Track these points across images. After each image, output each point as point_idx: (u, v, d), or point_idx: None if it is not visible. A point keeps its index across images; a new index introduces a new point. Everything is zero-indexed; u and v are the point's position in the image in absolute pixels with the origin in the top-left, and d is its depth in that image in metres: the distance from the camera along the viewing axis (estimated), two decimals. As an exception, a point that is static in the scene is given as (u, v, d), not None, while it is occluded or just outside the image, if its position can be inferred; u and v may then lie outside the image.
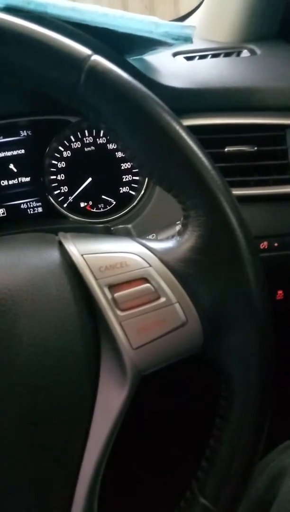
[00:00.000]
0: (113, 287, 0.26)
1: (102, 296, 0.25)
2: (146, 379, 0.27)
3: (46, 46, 0.25)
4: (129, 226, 0.51)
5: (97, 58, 0.26)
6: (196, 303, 0.26)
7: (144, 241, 0.28)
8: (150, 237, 0.38)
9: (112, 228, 0.52)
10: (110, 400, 0.26)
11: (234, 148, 0.49)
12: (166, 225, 0.41)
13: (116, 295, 0.26)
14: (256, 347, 0.27)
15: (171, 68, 0.56)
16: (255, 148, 0.49)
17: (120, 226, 0.51)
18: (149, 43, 0.47)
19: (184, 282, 0.26)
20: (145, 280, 0.26)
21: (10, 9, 0.37)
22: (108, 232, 0.53)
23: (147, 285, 0.26)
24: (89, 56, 0.26)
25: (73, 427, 0.25)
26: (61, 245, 0.28)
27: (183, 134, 0.26)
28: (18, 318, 0.25)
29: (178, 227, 0.39)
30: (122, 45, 0.47)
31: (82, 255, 0.27)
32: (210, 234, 0.26)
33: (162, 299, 0.26)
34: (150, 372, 0.27)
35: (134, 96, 0.26)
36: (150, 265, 0.27)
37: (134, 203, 0.55)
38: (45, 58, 0.26)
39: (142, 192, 0.55)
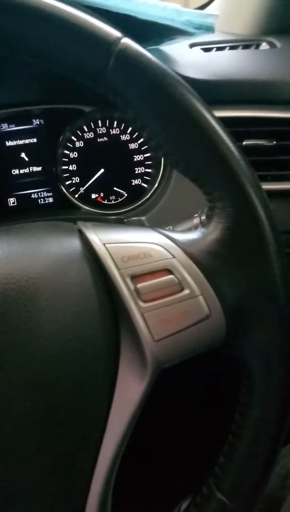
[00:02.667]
0: (135, 278, 0.25)
1: (124, 287, 0.25)
2: (165, 372, 0.26)
3: (73, 25, 0.25)
4: (143, 218, 0.50)
5: (127, 41, 0.25)
6: (220, 296, 0.26)
7: (167, 232, 0.28)
8: (166, 229, 0.37)
9: (125, 220, 0.51)
10: (129, 392, 0.25)
11: (252, 142, 0.48)
12: (182, 218, 0.40)
13: (138, 285, 0.25)
14: (279, 343, 0.26)
15: (188, 59, 0.55)
16: (274, 142, 0.48)
17: (133, 218, 0.51)
18: (169, 32, 0.47)
19: (208, 275, 0.26)
20: (168, 271, 0.26)
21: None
22: (120, 223, 0.52)
23: (171, 276, 0.26)
24: (119, 38, 0.25)
25: (90, 418, 0.25)
26: (81, 233, 0.28)
27: (215, 124, 0.26)
28: (39, 306, 0.24)
29: (196, 220, 0.39)
30: (140, 33, 0.46)
31: (104, 244, 0.26)
32: (237, 226, 0.26)
33: (186, 291, 0.25)
34: (170, 365, 0.26)
35: (166, 82, 0.25)
36: (174, 257, 0.26)
37: (148, 196, 0.55)
38: (72, 39, 0.25)
39: (156, 185, 0.55)
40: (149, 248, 0.26)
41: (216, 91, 0.49)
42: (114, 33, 0.25)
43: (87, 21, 0.25)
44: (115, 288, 0.25)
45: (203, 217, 0.37)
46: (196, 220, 0.38)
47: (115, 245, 0.26)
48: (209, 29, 0.44)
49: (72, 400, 0.24)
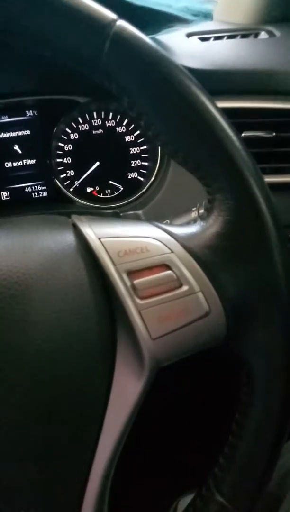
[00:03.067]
0: (132, 274, 0.24)
1: (120, 283, 0.24)
2: (163, 371, 0.25)
3: (67, 7, 0.23)
4: (140, 212, 0.49)
5: (123, 24, 0.24)
6: (220, 292, 0.25)
7: (165, 226, 0.27)
8: (164, 223, 0.36)
9: (121, 214, 0.50)
10: (125, 392, 0.24)
11: (251, 134, 0.47)
12: (180, 212, 0.39)
13: (135, 282, 0.24)
14: (281, 341, 0.26)
15: (185, 48, 0.53)
16: (273, 134, 0.47)
17: (130, 212, 0.50)
18: (165, 19, 0.45)
19: (208, 270, 0.25)
20: (166, 266, 0.25)
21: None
22: (116, 216, 0.51)
23: (169, 272, 0.24)
24: (114, 20, 0.24)
25: (86, 418, 0.24)
26: (75, 227, 0.26)
27: (216, 113, 0.24)
28: (31, 303, 0.23)
29: (194, 214, 0.38)
30: (136, 20, 0.45)
31: (99, 238, 0.25)
32: (238, 219, 0.25)
33: (185, 287, 0.24)
34: (168, 364, 0.25)
35: (164, 67, 0.24)
36: (172, 251, 0.25)
37: (145, 189, 0.54)
38: (66, 21, 0.23)
39: (153, 178, 0.53)
40: (146, 242, 0.25)
41: (214, 81, 0.48)
42: (109, 15, 0.24)
43: (81, 2, 0.24)
44: (111, 284, 0.24)
45: (201, 211, 0.36)
46: (194, 214, 0.37)
47: (110, 240, 0.25)
48: (207, 16, 0.43)
49: (67, 399, 0.23)
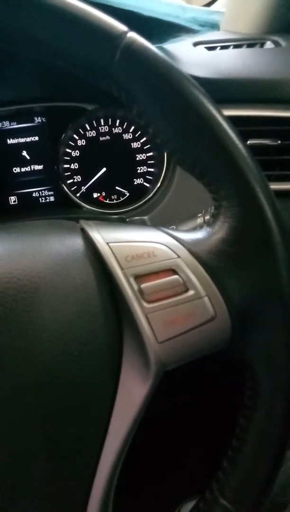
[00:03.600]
0: (139, 278, 0.25)
1: (128, 287, 0.24)
2: (168, 374, 0.26)
3: (79, 19, 0.24)
4: (145, 217, 0.49)
5: (134, 35, 0.25)
6: (226, 297, 0.25)
7: (172, 231, 0.27)
8: (170, 228, 0.36)
9: (127, 220, 0.51)
10: (131, 395, 0.25)
11: (257, 141, 0.48)
12: (185, 217, 0.40)
13: (142, 286, 0.24)
14: (285, 346, 0.26)
15: (192, 57, 0.54)
16: (278, 141, 0.48)
17: (136, 217, 0.50)
18: (173, 29, 0.46)
19: (214, 275, 0.25)
20: (173, 271, 0.25)
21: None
22: (122, 222, 0.51)
23: (175, 276, 0.25)
24: (125, 32, 0.24)
25: (92, 420, 0.24)
26: (83, 232, 0.27)
27: (223, 122, 0.25)
28: (40, 306, 0.23)
29: (200, 219, 0.38)
30: (143, 30, 0.45)
31: (107, 243, 0.25)
32: (244, 226, 0.25)
33: (191, 292, 0.25)
34: (174, 367, 0.25)
35: (172, 78, 0.25)
36: (179, 256, 0.25)
37: (150, 195, 0.54)
38: (77, 33, 0.24)
39: (159, 184, 0.54)
40: (153, 247, 0.25)
41: (221, 90, 0.49)
42: (120, 27, 0.25)
43: (92, 14, 0.24)
44: (118, 288, 0.24)
45: (207, 217, 0.37)
46: (200, 220, 0.37)
47: (118, 244, 0.25)
48: (214, 26, 0.44)
49: (73, 401, 0.24)
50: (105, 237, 0.26)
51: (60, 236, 0.27)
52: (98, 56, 0.25)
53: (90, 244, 0.26)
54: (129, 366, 0.25)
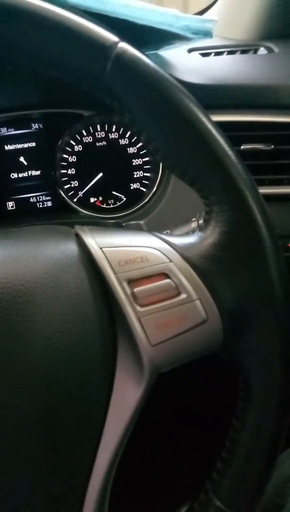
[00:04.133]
0: (132, 282, 0.25)
1: (121, 291, 0.25)
2: (162, 377, 0.26)
3: (71, 30, 0.25)
4: (141, 222, 0.50)
5: (124, 46, 0.25)
6: (217, 300, 0.25)
7: (164, 236, 0.28)
8: (164, 233, 0.37)
9: (123, 224, 0.51)
10: (125, 397, 0.25)
11: (250, 146, 0.48)
12: (180, 222, 0.40)
13: (135, 290, 0.25)
14: (277, 348, 0.26)
15: (187, 64, 0.55)
16: (272, 146, 0.48)
17: (132, 222, 0.51)
18: (167, 37, 0.47)
19: (205, 279, 0.25)
20: (165, 275, 0.26)
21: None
22: (118, 226, 0.52)
23: (168, 280, 0.25)
24: (116, 43, 0.25)
25: (87, 423, 0.25)
26: (78, 237, 0.27)
27: (212, 128, 0.26)
28: (35, 311, 0.24)
29: (193, 224, 0.39)
30: (138, 38, 0.46)
31: (101, 248, 0.26)
32: (234, 230, 0.26)
33: (183, 296, 0.25)
34: (167, 370, 0.26)
35: (162, 86, 0.25)
36: (171, 261, 0.26)
37: (146, 200, 0.55)
38: (69, 43, 0.25)
39: (155, 189, 0.55)
40: (146, 252, 0.26)
41: (215, 96, 0.49)
42: (111, 37, 0.25)
43: (84, 25, 0.25)
44: (111, 292, 0.25)
45: (201, 221, 0.37)
46: (194, 224, 0.38)
47: (112, 249, 0.26)
48: (207, 34, 0.44)
49: (68, 404, 0.24)
50: (99, 242, 0.26)
51: (55, 242, 0.27)
52: (90, 67, 0.25)
53: (84, 249, 0.26)
54: (123, 369, 0.25)
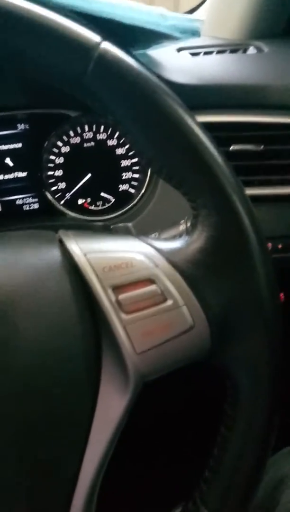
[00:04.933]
0: (117, 289, 0.24)
1: (105, 298, 0.24)
2: (148, 384, 0.25)
3: (51, 29, 0.24)
4: (129, 224, 0.49)
5: (107, 46, 0.24)
6: (204, 306, 0.25)
7: (150, 241, 0.27)
8: (152, 236, 0.36)
9: (111, 227, 0.51)
10: (111, 406, 0.24)
11: (240, 147, 0.48)
12: (168, 224, 0.40)
13: (120, 297, 0.24)
14: (265, 355, 0.26)
15: (176, 63, 0.54)
16: (261, 147, 0.48)
17: (120, 224, 0.50)
18: (155, 37, 0.46)
19: (192, 284, 0.25)
20: (151, 281, 0.25)
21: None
22: (107, 230, 0.51)
23: (153, 286, 0.25)
24: (98, 43, 0.24)
25: (72, 432, 0.24)
26: (61, 243, 0.27)
27: (197, 130, 0.25)
28: (16, 320, 0.23)
29: (182, 227, 0.38)
30: (125, 38, 0.45)
31: (84, 254, 0.25)
32: (221, 235, 0.25)
33: (169, 302, 0.25)
34: (154, 378, 0.25)
35: (146, 88, 0.24)
36: (157, 266, 0.25)
37: (134, 202, 0.54)
38: (49, 43, 0.24)
39: (143, 190, 0.54)
40: (131, 257, 0.25)
41: (203, 96, 0.49)
42: (94, 38, 0.25)
43: (65, 25, 0.24)
44: (96, 300, 0.24)
45: (188, 224, 0.37)
46: (182, 227, 0.37)
47: (96, 255, 0.25)
48: (195, 33, 0.44)
49: (52, 412, 0.23)
50: (83, 248, 0.26)
51: (38, 248, 0.26)
52: (72, 68, 0.24)
53: (67, 255, 0.26)
54: (108, 377, 0.25)
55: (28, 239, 0.28)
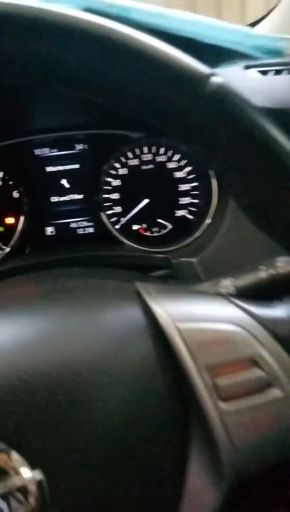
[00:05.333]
0: (214, 370, 0.21)
1: (200, 381, 0.20)
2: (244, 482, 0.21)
3: (158, 59, 0.20)
4: (194, 260, 0.45)
5: (218, 80, 0.21)
6: None
7: (245, 306, 0.23)
8: (227, 281, 0.32)
9: (173, 261, 0.47)
10: (201, 494, 0.21)
11: None
12: (243, 266, 0.35)
13: (217, 380, 0.20)
14: None
15: (246, 83, 0.50)
16: None
17: (183, 259, 0.46)
18: (230, 55, 0.42)
19: None
20: (254, 362, 0.21)
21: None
22: (168, 264, 0.47)
23: (257, 369, 0.21)
24: (207, 76, 0.21)
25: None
26: (141, 300, 0.23)
27: None
28: (101, 387, 0.20)
29: (263, 274, 0.34)
30: (197, 55, 0.42)
31: (175, 324, 0.21)
32: None
33: (275, 390, 0.21)
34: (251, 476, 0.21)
35: (261, 134, 0.21)
36: (261, 343, 0.21)
37: (199, 233, 0.50)
38: (156, 76, 0.20)
39: (210, 220, 0.49)
40: (229, 331, 0.21)
41: (281, 121, 0.44)
42: (203, 69, 0.21)
43: (173, 55, 0.20)
44: (188, 380, 0.20)
45: (272, 271, 0.32)
46: (263, 274, 0.33)
47: (188, 326, 0.21)
48: (278, 53, 0.40)
49: (139, 490, 0.20)
50: (171, 313, 0.22)
51: (118, 308, 0.23)
52: (178, 104, 0.21)
53: (153, 321, 0.22)
54: (197, 468, 0.21)
55: (104, 294, 0.25)
